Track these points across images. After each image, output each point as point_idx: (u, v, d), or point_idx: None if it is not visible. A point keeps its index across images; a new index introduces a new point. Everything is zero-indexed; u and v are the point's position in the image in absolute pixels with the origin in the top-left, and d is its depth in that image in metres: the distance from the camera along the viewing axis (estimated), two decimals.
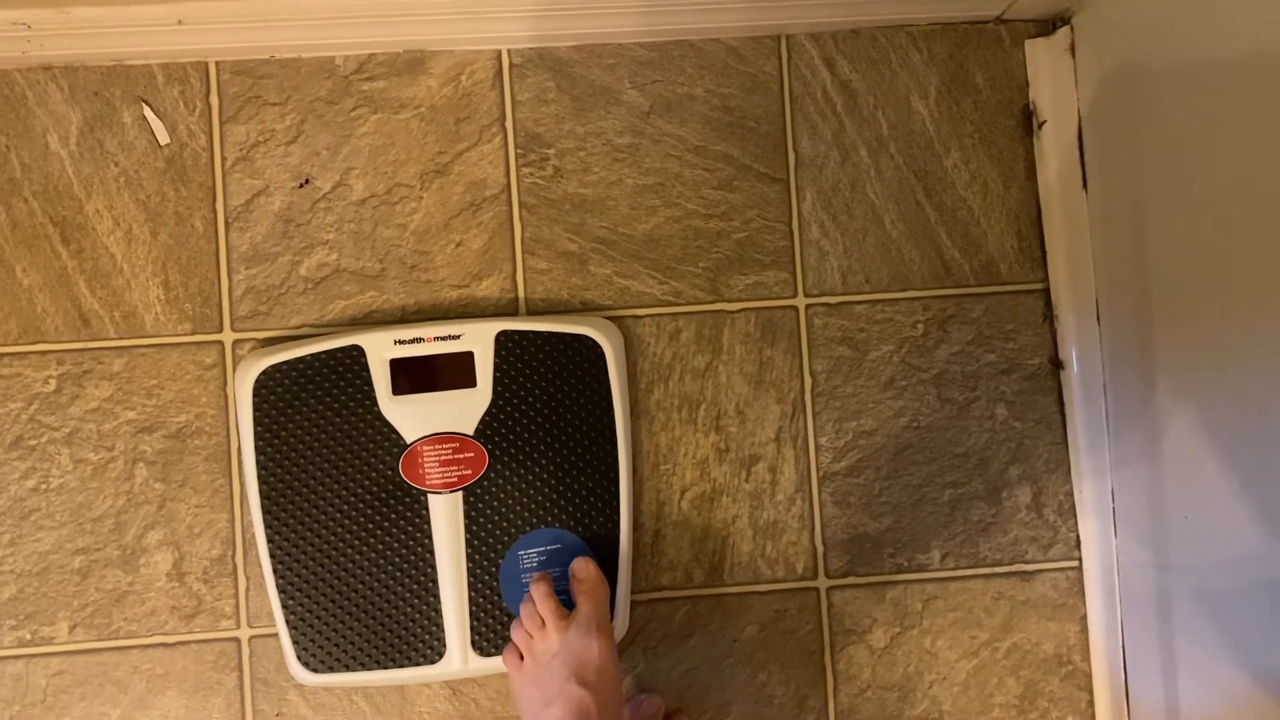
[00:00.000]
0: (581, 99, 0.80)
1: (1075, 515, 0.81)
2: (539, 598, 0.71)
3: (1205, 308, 0.65)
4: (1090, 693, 0.80)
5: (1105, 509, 0.79)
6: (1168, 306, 0.70)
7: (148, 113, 0.77)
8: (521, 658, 0.70)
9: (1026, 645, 0.80)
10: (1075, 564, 0.81)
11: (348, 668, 0.74)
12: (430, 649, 0.74)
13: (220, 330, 0.78)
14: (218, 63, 0.78)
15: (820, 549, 0.80)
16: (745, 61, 0.81)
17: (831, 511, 0.80)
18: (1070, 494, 0.81)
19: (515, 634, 0.71)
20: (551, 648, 0.68)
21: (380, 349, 0.74)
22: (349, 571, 0.74)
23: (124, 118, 0.77)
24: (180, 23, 0.73)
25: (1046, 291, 0.81)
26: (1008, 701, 0.80)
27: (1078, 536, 0.81)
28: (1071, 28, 0.80)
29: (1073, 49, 0.80)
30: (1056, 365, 0.81)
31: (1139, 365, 0.74)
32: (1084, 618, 0.80)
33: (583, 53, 0.80)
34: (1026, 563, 0.81)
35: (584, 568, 0.73)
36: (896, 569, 0.80)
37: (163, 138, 0.77)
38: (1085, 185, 0.80)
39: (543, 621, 0.69)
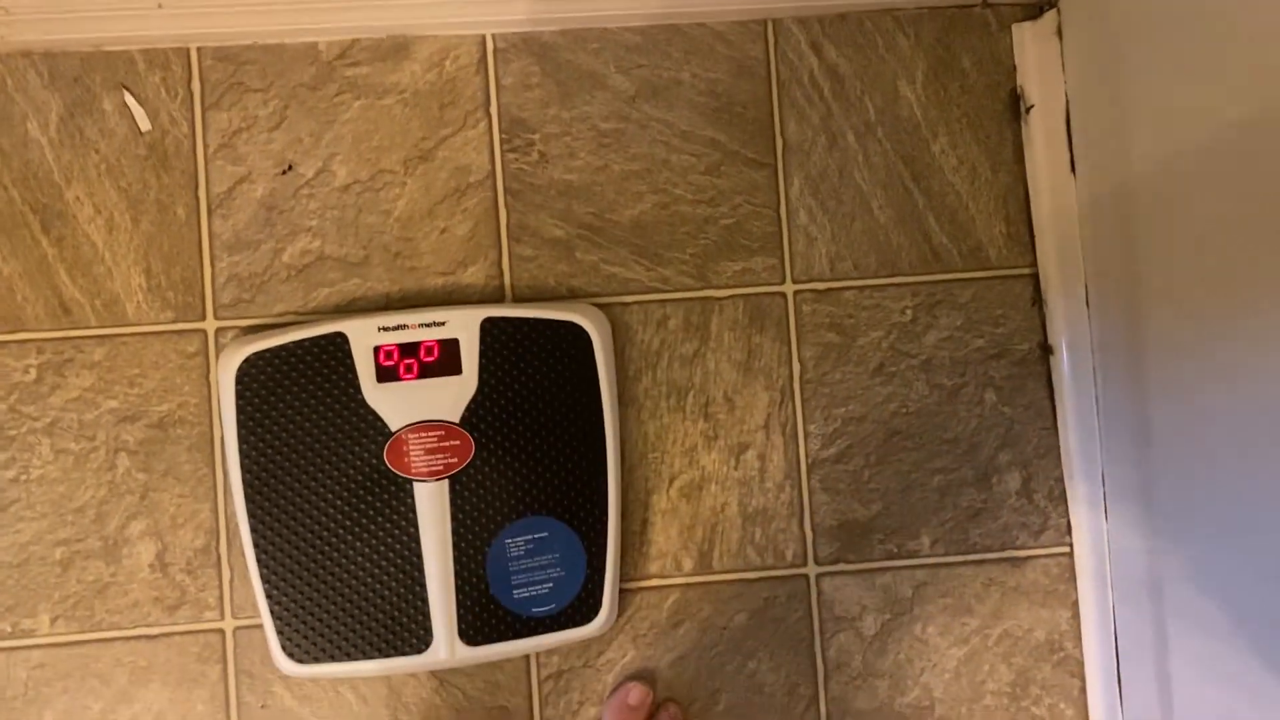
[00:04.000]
0: (566, 84, 0.79)
1: (1066, 501, 0.80)
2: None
3: (1193, 292, 0.64)
4: (1083, 679, 0.80)
5: (1096, 494, 0.79)
6: (1156, 291, 0.69)
7: (129, 99, 0.77)
8: None
9: (1018, 632, 0.80)
10: (1066, 550, 0.80)
11: (333, 658, 0.73)
12: (416, 639, 0.74)
13: (203, 318, 0.77)
14: (199, 48, 0.77)
15: (810, 536, 0.79)
16: (732, 46, 0.80)
17: (821, 498, 0.79)
18: (1060, 480, 0.80)
19: None
20: None
21: (364, 335, 0.73)
22: (334, 561, 0.73)
23: (104, 104, 0.77)
24: (160, 6, 0.72)
25: (1035, 276, 0.81)
26: (999, 689, 0.79)
27: (1069, 522, 0.80)
28: (1058, 11, 0.80)
29: (1060, 32, 0.80)
30: (1046, 350, 0.81)
31: (1129, 350, 0.74)
32: (1075, 604, 0.80)
33: (567, 37, 0.79)
34: (1017, 549, 0.80)
35: (638, 694, 0.76)
36: (886, 555, 0.80)
37: (144, 124, 0.77)
38: (1073, 169, 0.79)
39: None
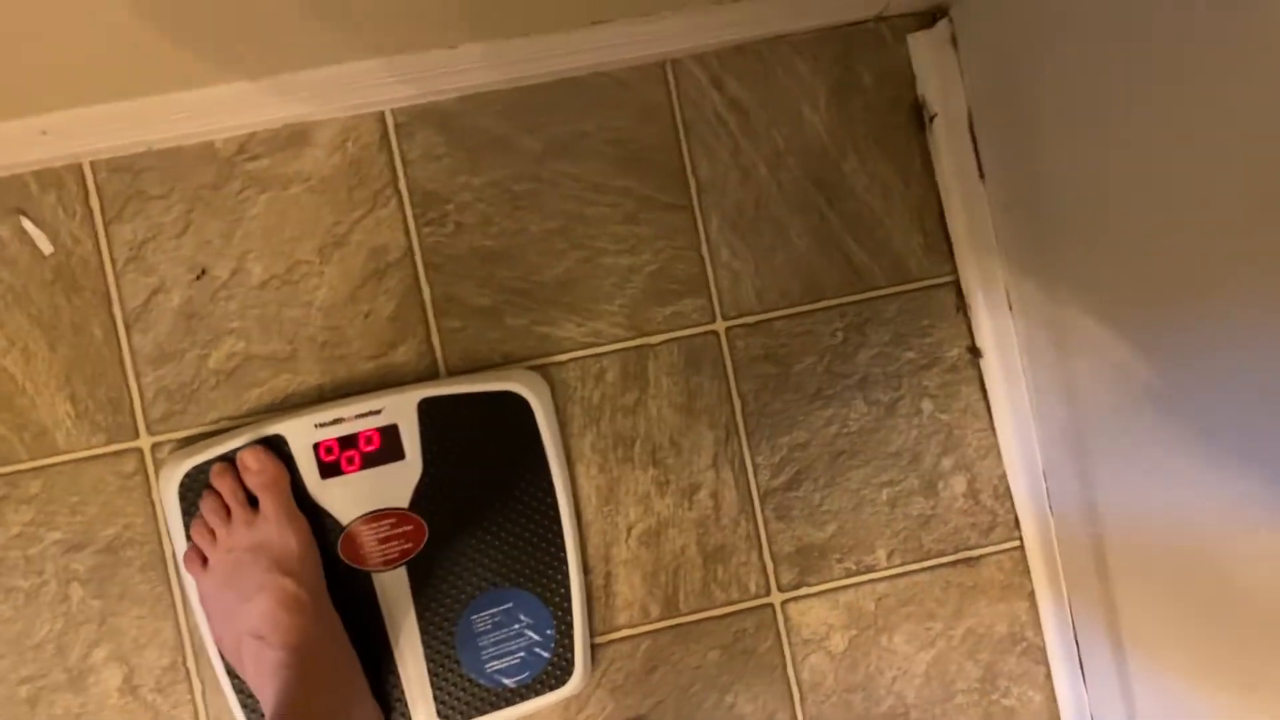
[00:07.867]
0: (473, 150, 0.79)
1: (1011, 497, 0.83)
2: (226, 491, 0.68)
3: (1106, 286, 0.66)
4: (1047, 665, 0.83)
5: (1038, 487, 0.81)
6: (1073, 287, 0.71)
7: (26, 224, 0.75)
8: (205, 561, 0.68)
9: (980, 629, 0.82)
10: (1017, 544, 0.83)
11: None
12: None
13: (136, 436, 0.76)
14: (92, 162, 0.75)
15: (770, 565, 0.81)
16: (633, 91, 0.80)
17: (776, 527, 0.81)
18: (1004, 477, 0.83)
19: (195, 534, 0.69)
20: (240, 542, 0.66)
21: (301, 435, 0.73)
22: None
23: (1, 232, 0.75)
24: (45, 133, 0.70)
25: (957, 283, 0.82)
26: (969, 686, 0.82)
27: (1016, 517, 0.83)
28: (951, 19, 0.81)
29: (954, 40, 0.81)
30: (975, 354, 0.82)
31: (1053, 345, 0.76)
32: (1032, 594, 0.83)
33: (467, 103, 0.79)
34: (970, 549, 0.82)
35: (254, 458, 0.69)
36: (846, 574, 0.81)
37: (45, 248, 0.75)
38: (982, 174, 0.80)
39: (228, 513, 0.68)
